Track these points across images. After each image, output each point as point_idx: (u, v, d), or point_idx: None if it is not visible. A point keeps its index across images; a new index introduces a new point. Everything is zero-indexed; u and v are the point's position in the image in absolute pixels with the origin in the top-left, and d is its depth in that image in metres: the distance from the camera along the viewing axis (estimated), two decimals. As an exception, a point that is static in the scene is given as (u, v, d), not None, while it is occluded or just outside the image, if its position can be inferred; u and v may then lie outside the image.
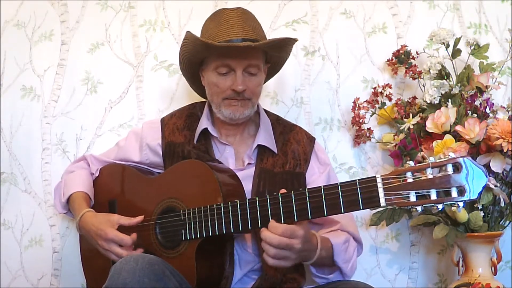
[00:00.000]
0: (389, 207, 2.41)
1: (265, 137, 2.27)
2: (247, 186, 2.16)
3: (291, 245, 1.81)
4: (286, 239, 1.79)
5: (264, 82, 2.36)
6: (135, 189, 2.30)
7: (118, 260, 2.00)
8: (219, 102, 2.22)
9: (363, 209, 1.69)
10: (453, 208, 2.19)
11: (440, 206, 1.58)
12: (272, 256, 1.82)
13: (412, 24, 2.76)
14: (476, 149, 2.36)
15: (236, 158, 2.28)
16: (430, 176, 1.58)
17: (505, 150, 2.24)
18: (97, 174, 2.44)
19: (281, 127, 2.34)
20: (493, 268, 2.40)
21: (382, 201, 1.64)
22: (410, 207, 1.61)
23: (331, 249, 2.06)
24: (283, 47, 2.25)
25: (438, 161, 1.58)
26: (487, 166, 2.33)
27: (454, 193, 1.56)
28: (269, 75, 2.40)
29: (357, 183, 1.70)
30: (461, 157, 1.56)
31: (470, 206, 2.36)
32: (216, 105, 2.24)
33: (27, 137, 2.84)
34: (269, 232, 1.81)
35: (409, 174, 1.62)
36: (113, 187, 2.38)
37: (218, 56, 2.17)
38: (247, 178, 2.19)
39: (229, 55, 2.14)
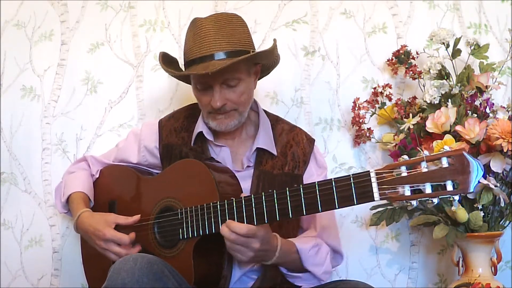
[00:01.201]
0: (388, 207, 2.42)
1: (265, 139, 2.25)
2: (246, 188, 2.15)
3: (248, 244, 1.90)
4: (243, 238, 1.89)
5: (259, 79, 2.35)
6: (134, 189, 2.30)
7: (116, 259, 2.00)
8: (206, 115, 2.22)
9: (357, 204, 1.68)
10: (453, 208, 2.21)
11: (435, 200, 1.56)
12: (228, 246, 1.93)
13: (412, 24, 2.76)
14: (476, 149, 2.35)
15: (234, 160, 2.27)
16: (425, 170, 1.57)
17: (505, 150, 2.23)
18: (97, 175, 2.44)
19: (280, 128, 2.32)
20: (493, 268, 2.39)
21: (376, 196, 1.63)
22: (404, 201, 1.60)
23: (296, 253, 2.08)
24: (256, 58, 2.18)
25: (432, 154, 1.57)
26: (487, 166, 2.32)
27: (449, 187, 1.55)
28: (264, 72, 2.36)
29: (351, 178, 1.70)
30: (456, 150, 1.55)
31: (470, 206, 2.35)
32: (204, 117, 2.25)
33: (27, 137, 2.85)
34: (227, 229, 1.90)
35: (403, 168, 1.61)
36: (113, 188, 2.38)
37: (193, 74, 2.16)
38: (245, 179, 2.19)
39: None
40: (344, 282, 2.14)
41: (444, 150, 1.56)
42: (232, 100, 2.15)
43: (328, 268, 2.17)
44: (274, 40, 2.18)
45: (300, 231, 2.26)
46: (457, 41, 2.51)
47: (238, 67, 2.12)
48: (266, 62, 2.27)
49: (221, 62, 2.05)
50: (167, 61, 2.28)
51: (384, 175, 1.62)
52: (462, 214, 2.31)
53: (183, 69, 2.23)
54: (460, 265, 2.44)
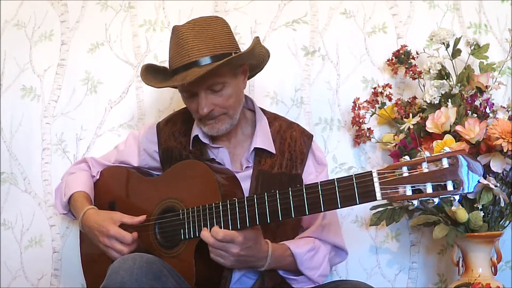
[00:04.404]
0: (388, 207, 2.42)
1: (262, 138, 2.24)
2: (245, 188, 2.15)
3: (226, 248, 1.90)
4: (220, 243, 1.90)
5: (254, 75, 2.37)
6: (135, 190, 2.30)
7: (118, 257, 2.00)
8: (197, 121, 2.22)
9: (359, 203, 1.69)
10: (452, 208, 2.21)
11: (436, 200, 1.58)
12: (209, 250, 1.94)
13: (412, 24, 2.76)
14: (476, 149, 2.35)
15: (233, 161, 2.26)
16: (426, 170, 1.59)
17: (505, 150, 2.23)
18: (97, 177, 2.44)
19: (278, 125, 2.32)
20: (493, 268, 2.39)
21: (378, 195, 1.64)
22: (406, 201, 1.62)
23: (290, 257, 2.08)
24: (238, 60, 2.14)
25: (433, 155, 1.60)
26: (487, 166, 2.32)
27: (450, 187, 1.57)
28: (255, 70, 2.35)
29: (354, 178, 1.70)
30: (456, 151, 1.57)
31: (470, 206, 2.35)
32: (196, 122, 2.24)
33: (27, 137, 2.85)
34: (207, 233, 1.92)
35: (404, 168, 1.63)
36: (113, 188, 2.38)
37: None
38: (245, 179, 2.18)
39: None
40: (344, 282, 2.14)
41: (445, 151, 1.58)
42: (219, 104, 2.14)
43: (324, 272, 2.17)
44: (255, 38, 2.13)
45: (301, 231, 2.25)
46: (457, 41, 2.51)
47: (221, 71, 2.08)
48: (250, 61, 2.24)
49: (200, 69, 2.02)
50: (153, 71, 2.26)
51: (386, 175, 1.64)
52: (462, 214, 2.31)
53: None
54: (460, 265, 2.43)
